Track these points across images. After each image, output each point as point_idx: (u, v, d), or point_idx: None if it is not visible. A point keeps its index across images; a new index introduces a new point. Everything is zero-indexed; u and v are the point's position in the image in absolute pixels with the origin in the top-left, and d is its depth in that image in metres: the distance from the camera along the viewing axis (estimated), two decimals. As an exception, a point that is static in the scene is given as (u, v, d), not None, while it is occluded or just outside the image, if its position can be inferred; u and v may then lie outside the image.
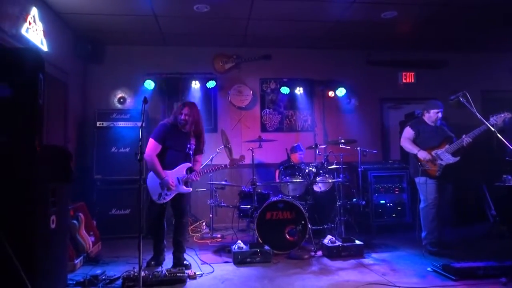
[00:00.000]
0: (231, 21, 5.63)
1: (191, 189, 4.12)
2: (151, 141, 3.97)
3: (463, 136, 4.26)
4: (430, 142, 4.53)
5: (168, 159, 3.98)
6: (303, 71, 6.85)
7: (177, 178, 3.97)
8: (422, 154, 4.46)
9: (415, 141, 4.64)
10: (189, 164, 4.09)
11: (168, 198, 3.98)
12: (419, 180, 4.53)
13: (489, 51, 7.10)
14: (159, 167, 3.91)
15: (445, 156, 4.38)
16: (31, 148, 2.35)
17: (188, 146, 4.06)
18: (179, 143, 4.01)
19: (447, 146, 4.40)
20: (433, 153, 4.44)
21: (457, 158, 4.33)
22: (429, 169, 4.44)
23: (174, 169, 3.99)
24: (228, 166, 4.39)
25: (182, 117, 3.97)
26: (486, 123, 3.90)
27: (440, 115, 4.55)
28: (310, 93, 6.87)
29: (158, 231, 4.09)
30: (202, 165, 4.48)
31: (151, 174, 4.00)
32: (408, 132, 4.72)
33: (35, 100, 2.41)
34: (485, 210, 5.99)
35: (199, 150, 4.23)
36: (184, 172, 4.02)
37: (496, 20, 5.69)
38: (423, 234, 4.53)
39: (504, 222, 5.41)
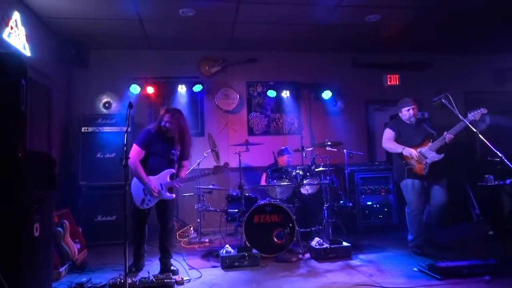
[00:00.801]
0: (217, 25, 5.63)
1: (174, 195, 4.08)
2: (134, 146, 3.97)
3: (445, 133, 4.27)
4: (412, 140, 4.50)
5: (151, 165, 3.96)
6: (289, 74, 6.89)
7: (160, 184, 3.95)
8: (408, 151, 4.40)
9: (397, 141, 4.58)
10: (173, 171, 4.06)
11: (151, 204, 3.96)
12: (405, 183, 4.47)
13: (471, 53, 7.24)
14: (142, 172, 3.90)
15: (430, 153, 4.36)
16: (13, 154, 2.31)
17: (173, 152, 4.04)
18: (163, 149, 4.00)
19: (430, 143, 4.39)
20: (417, 151, 4.41)
21: (442, 155, 4.32)
22: (415, 167, 4.39)
23: (158, 175, 3.97)
24: (212, 173, 4.33)
25: (163, 124, 3.97)
26: (466, 121, 3.98)
27: (412, 111, 4.53)
28: (297, 96, 6.91)
29: (139, 236, 4.08)
30: (189, 169, 4.46)
31: (134, 179, 3.99)
32: (388, 132, 4.66)
33: (17, 106, 2.37)
34: (470, 210, 6.09)
35: (184, 156, 4.21)
36: (168, 179, 4.00)
37: (478, 23, 5.81)
38: (409, 237, 4.52)
39: (488, 221, 5.52)
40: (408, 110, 4.56)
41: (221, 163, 4.96)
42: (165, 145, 4.02)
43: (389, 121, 6.76)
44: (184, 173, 4.22)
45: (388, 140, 4.66)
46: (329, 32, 5.99)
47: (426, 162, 4.37)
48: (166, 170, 4.01)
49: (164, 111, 4.11)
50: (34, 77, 4.90)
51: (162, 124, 3.97)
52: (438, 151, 4.36)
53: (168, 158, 4.03)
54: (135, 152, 3.93)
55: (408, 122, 4.60)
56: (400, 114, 4.68)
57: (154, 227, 4.21)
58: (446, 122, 5.09)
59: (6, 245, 2.22)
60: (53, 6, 4.79)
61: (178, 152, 4.09)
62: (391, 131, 4.65)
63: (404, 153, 4.44)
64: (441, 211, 4.42)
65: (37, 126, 5.17)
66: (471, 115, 4.12)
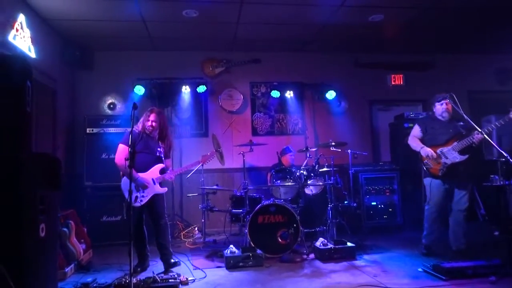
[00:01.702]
0: (220, 25, 5.64)
1: (166, 188, 4.16)
2: (119, 146, 4.05)
3: (475, 132, 3.95)
4: (437, 139, 4.30)
5: (140, 162, 3.98)
6: (293, 75, 6.89)
7: (152, 179, 4.02)
8: (425, 151, 4.26)
9: (424, 138, 4.41)
10: (162, 165, 4.14)
11: (145, 200, 3.99)
12: (425, 181, 4.42)
13: (475, 52, 7.21)
14: None
15: (451, 154, 4.16)
16: (19, 156, 2.33)
17: (158, 149, 4.13)
18: (149, 147, 4.08)
19: (455, 143, 4.16)
20: (438, 150, 4.23)
21: (465, 157, 4.11)
22: (431, 167, 4.27)
23: (148, 171, 4.03)
24: (200, 162, 4.44)
25: (149, 123, 4.08)
26: (472, 123, 3.89)
27: (445, 106, 4.29)
28: (300, 96, 6.90)
29: (140, 236, 4.11)
30: (187, 169, 4.53)
31: (124, 179, 4.03)
32: (415, 129, 4.53)
33: (23, 108, 2.39)
34: (475, 210, 6.06)
35: (166, 155, 4.27)
36: (158, 173, 4.08)
37: (481, 23, 5.79)
38: (423, 233, 4.49)
39: (493, 221, 5.49)
40: (442, 104, 4.31)
41: (225, 164, 5.01)
42: (150, 142, 4.11)
43: (393, 121, 6.77)
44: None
45: (412, 137, 4.52)
46: (333, 32, 5.99)
47: (445, 163, 4.19)
48: (155, 166, 4.08)
49: (148, 111, 4.17)
50: (39, 79, 4.94)
51: (149, 124, 4.08)
52: (461, 152, 4.14)
53: (155, 155, 4.10)
54: (120, 150, 4.02)
55: (440, 118, 4.36)
56: (434, 109, 4.45)
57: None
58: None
59: (12, 245, 2.23)
60: (58, 8, 4.83)
61: (163, 150, 4.17)
62: (418, 127, 4.50)
63: (422, 153, 4.32)
64: (456, 216, 4.30)
65: (42, 127, 5.21)
66: (498, 123, 3.97)
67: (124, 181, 4.01)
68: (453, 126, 4.30)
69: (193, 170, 4.73)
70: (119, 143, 4.07)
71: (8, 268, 2.15)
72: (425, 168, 4.36)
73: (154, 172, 4.06)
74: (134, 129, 4.04)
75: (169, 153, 4.32)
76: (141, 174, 3.96)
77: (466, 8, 5.23)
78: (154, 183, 4.02)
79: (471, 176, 4.32)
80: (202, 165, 4.51)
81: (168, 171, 4.18)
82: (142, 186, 3.93)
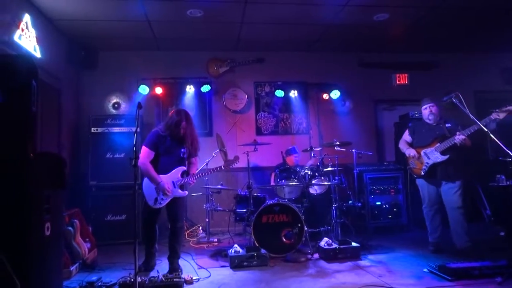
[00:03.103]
0: (225, 25, 5.64)
1: (187, 192, 4.13)
2: (144, 148, 4.00)
3: (457, 133, 4.17)
4: (422, 140, 4.55)
5: (162, 165, 3.99)
6: (297, 74, 6.88)
7: (173, 182, 3.99)
8: (408, 152, 4.58)
9: (412, 141, 4.68)
10: (184, 168, 4.10)
11: (164, 203, 3.99)
12: (417, 181, 4.64)
13: (480, 51, 7.17)
14: (153, 172, 3.93)
15: (433, 154, 4.36)
16: (24, 155, 2.34)
17: (182, 151, 4.07)
18: (172, 149, 4.03)
19: (438, 144, 4.35)
20: (422, 151, 4.46)
21: (445, 157, 4.28)
22: (414, 167, 4.51)
23: (169, 173, 4.00)
24: (223, 168, 4.40)
25: (182, 131, 3.99)
26: (479, 123, 3.88)
27: (429, 110, 4.49)
28: (305, 96, 6.89)
29: (150, 236, 4.12)
30: (198, 169, 4.49)
31: (146, 180, 4.02)
32: (405, 133, 4.83)
33: (28, 107, 2.40)
34: (480, 210, 6.02)
35: (193, 153, 4.23)
36: (179, 176, 4.04)
37: (487, 21, 5.75)
38: (428, 231, 4.61)
39: (499, 221, 5.45)
40: (425, 108, 4.55)
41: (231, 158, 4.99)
42: (174, 144, 4.04)
43: (398, 120, 6.74)
44: (194, 169, 4.26)
45: (401, 141, 4.84)
46: (337, 32, 5.97)
47: (427, 163, 4.39)
48: (177, 168, 4.04)
49: (176, 115, 4.04)
50: (44, 79, 4.96)
51: (182, 131, 3.98)
52: (443, 153, 4.30)
53: (178, 156, 4.06)
54: (144, 153, 3.97)
55: (428, 121, 4.56)
56: (421, 114, 4.70)
57: (164, 226, 4.24)
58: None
59: (18, 244, 2.24)
60: (63, 8, 4.85)
61: (188, 150, 4.12)
62: (407, 131, 4.82)
63: (406, 153, 4.61)
64: (453, 214, 4.36)
65: (47, 127, 5.24)
66: (495, 114, 3.98)
67: (146, 182, 4.01)
68: (438, 128, 4.46)
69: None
70: (143, 146, 4.02)
71: (14, 265, 2.16)
72: (407, 168, 4.64)
73: (175, 174, 4.02)
74: (157, 129, 4.05)
75: (196, 152, 4.24)
76: (162, 177, 3.94)
77: (471, 7, 5.20)
78: (175, 186, 3.99)
79: (463, 174, 4.38)
80: (225, 167, 4.44)
81: (190, 175, 4.09)
82: (162, 191, 3.92)
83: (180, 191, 4.03)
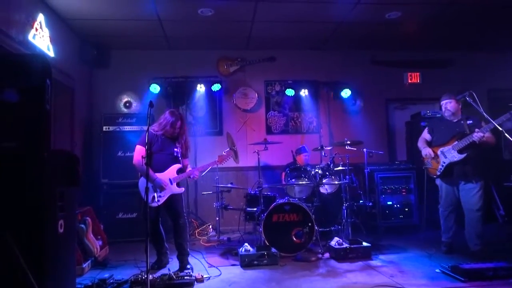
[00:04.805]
0: (235, 24, 5.65)
1: (183, 188, 4.18)
2: (137, 147, 4.06)
3: (476, 130, 4.00)
4: (441, 139, 4.39)
5: (157, 163, 4.01)
6: (307, 73, 6.84)
7: (169, 179, 4.03)
8: (424, 151, 4.45)
9: (432, 139, 4.52)
10: (179, 165, 4.15)
11: (162, 200, 4.00)
12: (436, 180, 4.52)
13: (495, 50, 7.05)
14: (149, 170, 3.95)
15: (450, 153, 4.21)
16: (38, 153, 2.37)
17: (176, 150, 4.14)
18: (165, 147, 4.09)
19: (455, 142, 4.19)
20: (439, 150, 4.32)
21: (462, 156, 4.13)
22: (431, 167, 4.38)
23: (165, 171, 4.04)
24: (217, 162, 4.46)
25: (178, 131, 4.10)
26: (493, 122, 3.82)
27: (446, 106, 4.34)
28: (315, 94, 6.86)
29: (156, 235, 4.14)
30: (200, 168, 4.55)
31: (142, 179, 4.05)
32: (424, 131, 4.70)
33: (43, 106, 2.42)
34: (494, 211, 5.93)
35: (185, 154, 4.30)
36: (175, 173, 4.09)
37: (501, 19, 5.65)
38: (441, 230, 4.54)
39: (513, 222, 5.37)
40: (443, 105, 4.41)
41: (240, 162, 5.03)
42: (167, 143, 4.11)
43: (409, 119, 6.68)
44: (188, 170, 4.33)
45: (420, 139, 4.68)
46: (348, 30, 5.93)
47: (444, 163, 4.27)
48: (173, 166, 4.09)
49: (171, 115, 4.10)
50: (57, 78, 5.02)
51: (178, 131, 4.10)
52: (461, 151, 4.15)
53: (172, 155, 4.11)
54: (138, 151, 4.03)
55: (448, 118, 4.40)
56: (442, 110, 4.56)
57: (170, 228, 4.25)
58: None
59: (32, 241, 2.28)
60: (76, 8, 4.90)
61: (181, 150, 4.19)
62: (426, 129, 4.66)
63: (422, 153, 4.48)
64: (470, 216, 4.23)
65: (61, 125, 5.31)
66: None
67: (142, 181, 4.05)
68: (458, 125, 4.29)
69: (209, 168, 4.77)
70: (136, 144, 4.09)
71: (29, 262, 2.19)
72: (423, 168, 4.49)
73: (171, 172, 4.06)
74: (150, 130, 4.09)
75: (187, 153, 4.33)
76: (158, 174, 3.98)
77: (485, 4, 5.11)
78: (171, 183, 4.03)
79: (483, 174, 4.24)
80: (217, 165, 4.53)
81: (190, 169, 4.22)
82: (159, 187, 3.95)
83: (177, 187, 4.09)
